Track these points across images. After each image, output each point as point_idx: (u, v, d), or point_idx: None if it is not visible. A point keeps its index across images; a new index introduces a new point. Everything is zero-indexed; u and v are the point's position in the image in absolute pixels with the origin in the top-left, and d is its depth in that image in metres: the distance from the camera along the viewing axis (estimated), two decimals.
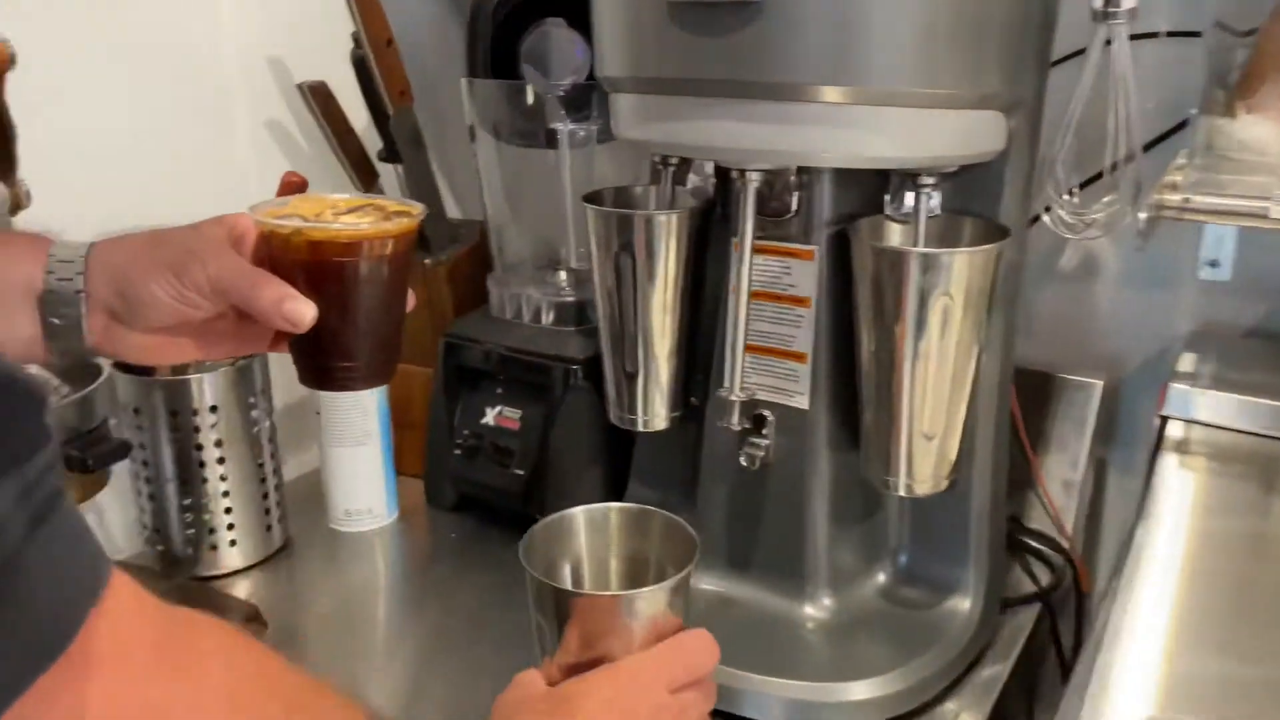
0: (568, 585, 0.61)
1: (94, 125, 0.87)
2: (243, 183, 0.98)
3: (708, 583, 0.81)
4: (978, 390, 0.74)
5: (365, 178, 1.01)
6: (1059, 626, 0.89)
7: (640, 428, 0.81)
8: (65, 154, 0.80)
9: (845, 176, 0.71)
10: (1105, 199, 0.74)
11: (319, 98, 0.98)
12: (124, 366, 0.85)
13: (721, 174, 0.78)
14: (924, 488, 0.71)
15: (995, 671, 0.77)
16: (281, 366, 0.91)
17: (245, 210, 0.60)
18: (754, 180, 0.67)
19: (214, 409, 0.85)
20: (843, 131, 0.62)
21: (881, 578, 0.80)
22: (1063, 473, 0.94)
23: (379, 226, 0.59)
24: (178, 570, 0.89)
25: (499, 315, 0.98)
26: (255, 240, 0.59)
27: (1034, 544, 0.92)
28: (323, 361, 0.61)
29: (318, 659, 0.80)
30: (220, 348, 0.61)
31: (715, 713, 0.71)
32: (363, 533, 0.97)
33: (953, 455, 0.71)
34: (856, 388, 0.72)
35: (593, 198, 0.77)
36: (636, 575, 0.63)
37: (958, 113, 0.64)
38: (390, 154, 1.00)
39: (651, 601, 0.56)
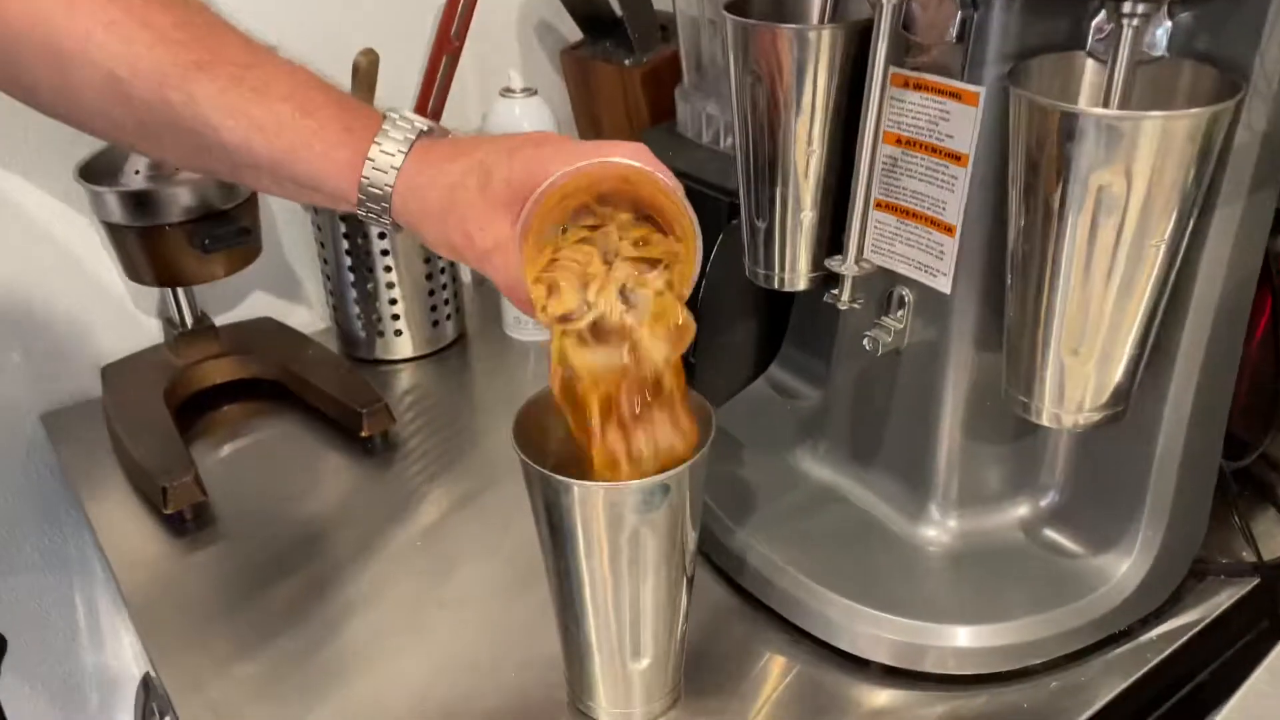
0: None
1: None
2: None
3: (823, 471, 0.71)
4: (1184, 302, 0.55)
5: None
6: None
7: (776, 285, 0.70)
8: None
9: None
10: None
11: None
12: None
13: None
14: (1073, 418, 0.56)
15: (1139, 650, 0.62)
16: None
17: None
18: None
19: None
20: None
21: (1023, 511, 0.65)
22: None
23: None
24: (353, 350, 0.93)
25: (684, 133, 0.88)
26: None
27: None
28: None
29: (435, 461, 0.81)
30: None
31: (792, 629, 0.63)
32: (529, 340, 0.95)
33: (1114, 383, 0.54)
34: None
35: (735, 6, 0.65)
36: None
37: None
38: None
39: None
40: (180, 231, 0.72)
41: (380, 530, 0.74)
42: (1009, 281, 0.55)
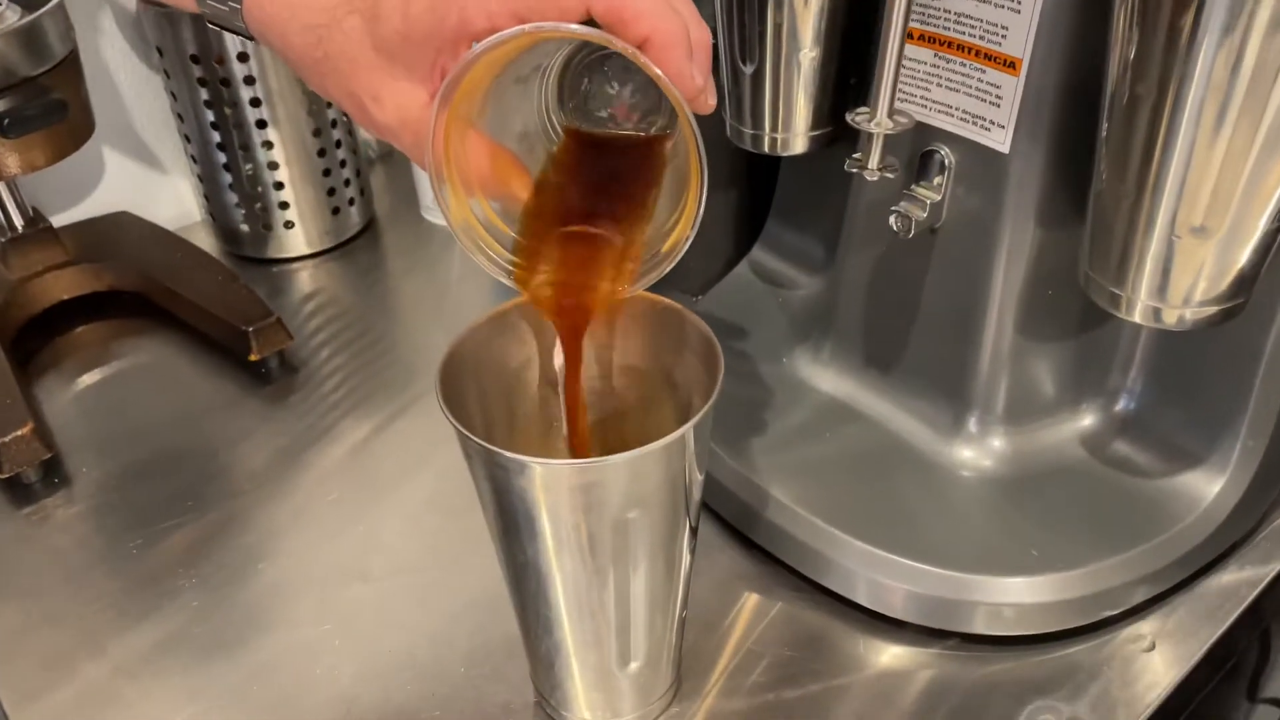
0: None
1: None
2: None
3: (831, 380, 0.57)
4: None
5: None
6: None
7: (766, 149, 0.55)
8: None
9: None
10: None
11: None
12: None
13: None
14: (1178, 313, 0.42)
15: (1232, 585, 0.50)
16: None
17: None
18: None
19: (243, 57, 0.67)
20: None
21: (1089, 421, 0.53)
22: None
23: None
24: (235, 248, 0.76)
25: None
26: None
27: None
28: None
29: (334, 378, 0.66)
30: None
31: (810, 584, 0.51)
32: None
33: (1238, 267, 0.41)
34: (1095, 132, 0.42)
35: None
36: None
37: None
38: None
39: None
40: None
41: (282, 480, 0.59)
42: (1103, 132, 0.41)
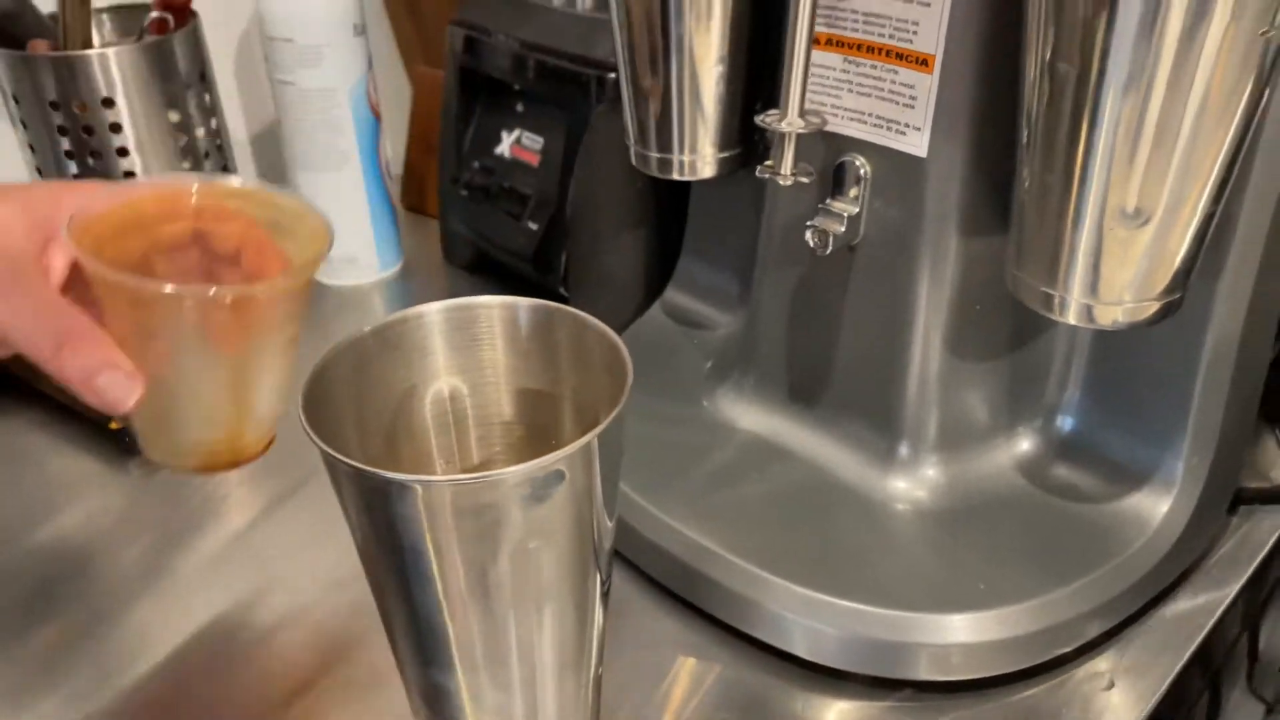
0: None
1: None
2: None
3: (753, 417, 0.54)
4: (1254, 148, 0.40)
5: None
6: None
7: (675, 173, 0.52)
8: None
9: None
10: None
11: None
12: None
13: None
14: (1114, 313, 0.40)
15: (1187, 613, 0.47)
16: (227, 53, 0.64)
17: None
18: None
19: (109, 102, 0.62)
20: None
21: (1026, 446, 0.50)
22: None
23: (245, 290, 0.33)
24: None
25: None
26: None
27: None
28: (167, 434, 0.38)
29: None
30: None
31: (748, 642, 0.46)
32: (345, 287, 0.74)
33: (1178, 257, 0.38)
34: (1016, 127, 0.39)
35: None
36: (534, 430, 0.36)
37: None
38: None
39: None
40: None
41: (157, 568, 0.52)
42: (1025, 124, 0.38)
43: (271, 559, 0.52)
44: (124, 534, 0.54)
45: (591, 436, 0.30)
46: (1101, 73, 0.35)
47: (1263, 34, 0.33)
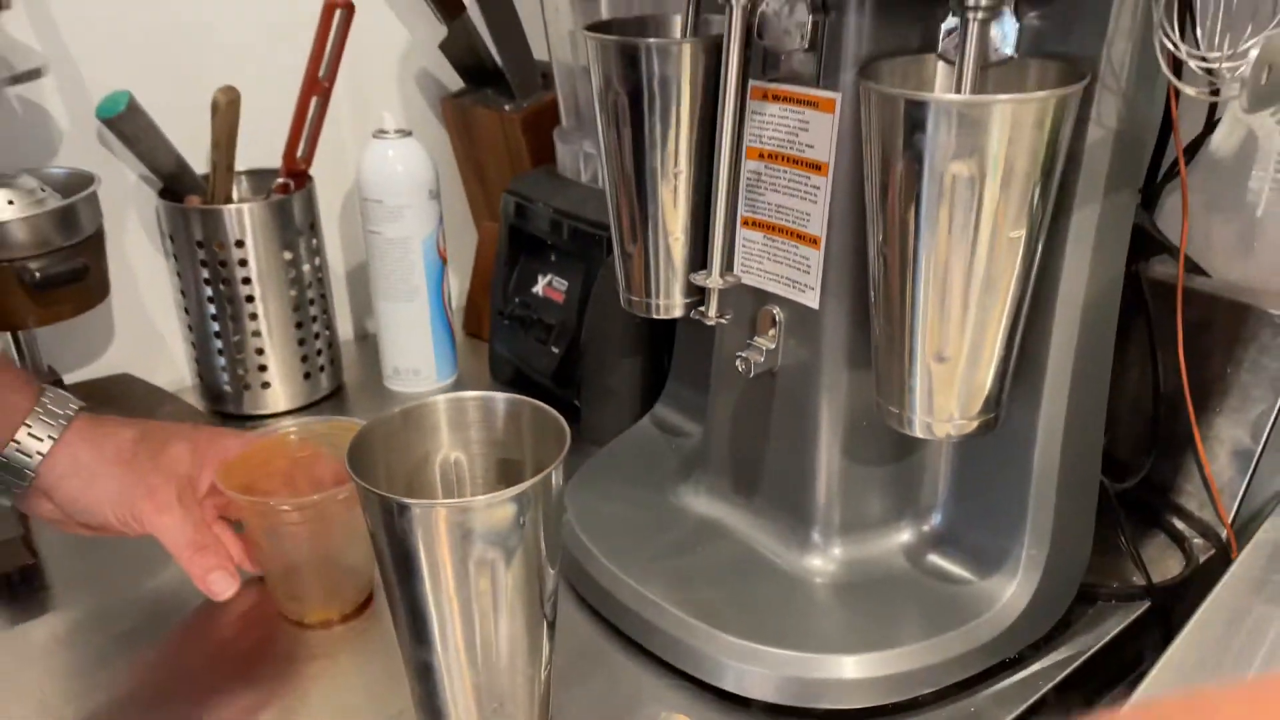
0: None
1: None
2: None
3: (705, 505, 0.68)
4: (1049, 307, 0.54)
5: (448, 9, 0.92)
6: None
7: (651, 313, 0.68)
8: None
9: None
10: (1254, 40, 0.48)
11: None
12: (163, 191, 0.84)
13: None
14: (945, 427, 0.54)
15: (1031, 679, 0.59)
16: (330, 208, 0.88)
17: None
18: None
19: (240, 243, 0.82)
20: None
21: (907, 536, 0.63)
22: (1235, 438, 0.70)
23: (315, 502, 0.60)
24: (219, 405, 0.88)
25: (564, 173, 0.86)
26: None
27: (1177, 525, 0.70)
28: (293, 599, 0.64)
29: None
30: None
31: (672, 671, 0.59)
32: (409, 393, 0.91)
33: (986, 388, 0.53)
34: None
35: (599, 27, 0.63)
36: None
37: None
38: None
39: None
40: (8, 268, 0.67)
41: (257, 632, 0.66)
42: (873, 288, 0.54)
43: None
44: None
45: (536, 479, 0.45)
46: (915, 258, 0.50)
47: (1011, 237, 0.48)
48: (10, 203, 0.69)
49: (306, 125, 0.85)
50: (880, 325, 0.54)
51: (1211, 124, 0.70)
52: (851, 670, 0.56)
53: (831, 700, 0.56)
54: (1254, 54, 0.41)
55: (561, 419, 0.50)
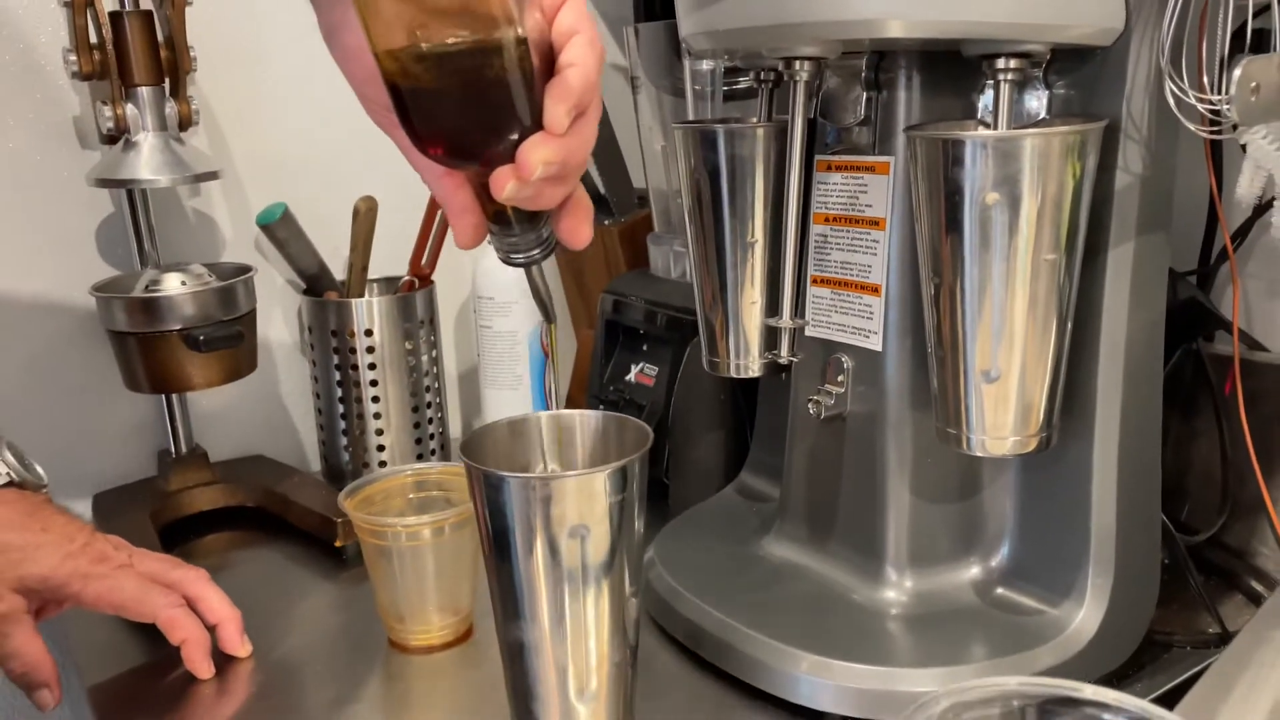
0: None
1: None
2: None
3: (783, 550, 0.72)
4: (1093, 343, 0.59)
5: None
6: None
7: (731, 373, 0.75)
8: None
9: (926, 72, 0.61)
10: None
11: None
12: (305, 290, 0.95)
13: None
14: (1002, 446, 0.58)
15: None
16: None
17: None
18: (803, 73, 0.60)
19: (369, 332, 0.92)
20: None
21: (976, 571, 0.66)
22: None
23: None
24: (341, 483, 0.96)
25: (657, 273, 0.95)
26: None
27: (1254, 586, 0.71)
28: (386, 621, 0.71)
29: None
30: None
31: (755, 694, 0.62)
32: None
33: (1036, 406, 0.57)
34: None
35: (686, 124, 0.73)
36: None
37: None
38: None
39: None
40: (177, 335, 0.78)
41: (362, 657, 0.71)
42: (927, 316, 0.59)
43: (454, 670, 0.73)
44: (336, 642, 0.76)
45: (619, 464, 0.51)
46: (961, 283, 0.56)
47: (1047, 259, 0.54)
48: (183, 283, 0.81)
49: (431, 236, 0.97)
50: (934, 349, 0.59)
51: (1261, 209, 0.75)
52: (927, 683, 0.59)
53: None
54: (1237, 73, 0.48)
55: (644, 424, 0.56)
